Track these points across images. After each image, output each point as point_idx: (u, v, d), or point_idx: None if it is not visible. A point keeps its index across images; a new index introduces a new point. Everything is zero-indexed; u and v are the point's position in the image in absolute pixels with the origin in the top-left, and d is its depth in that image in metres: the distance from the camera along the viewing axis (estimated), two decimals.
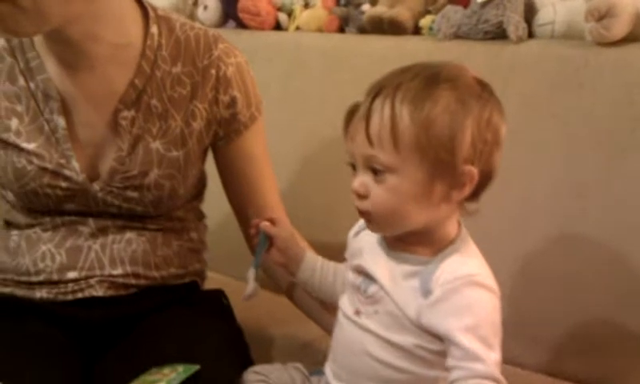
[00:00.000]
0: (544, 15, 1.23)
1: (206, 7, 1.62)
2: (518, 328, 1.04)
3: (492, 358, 0.68)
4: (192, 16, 1.65)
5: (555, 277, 1.08)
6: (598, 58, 1.09)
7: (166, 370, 0.73)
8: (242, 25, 1.57)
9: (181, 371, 0.73)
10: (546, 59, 1.15)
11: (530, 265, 1.11)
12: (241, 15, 1.55)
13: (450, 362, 0.70)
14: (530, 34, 1.24)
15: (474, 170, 0.71)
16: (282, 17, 1.54)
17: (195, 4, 1.66)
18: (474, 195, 0.75)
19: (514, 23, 1.18)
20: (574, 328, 1.07)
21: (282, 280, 0.98)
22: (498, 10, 1.20)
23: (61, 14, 0.77)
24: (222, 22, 1.63)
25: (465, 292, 0.71)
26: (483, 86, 0.75)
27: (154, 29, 0.89)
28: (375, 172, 0.73)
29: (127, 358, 0.83)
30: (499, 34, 1.21)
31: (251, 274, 0.88)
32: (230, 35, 1.53)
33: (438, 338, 0.72)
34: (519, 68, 1.16)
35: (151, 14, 0.89)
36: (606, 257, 1.05)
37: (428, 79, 0.72)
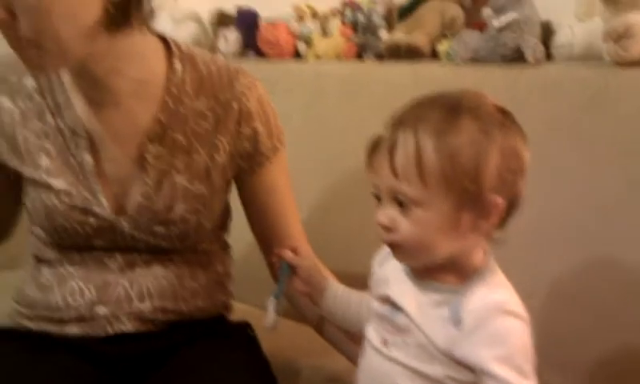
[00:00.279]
0: (562, 37, 1.25)
1: (226, 39, 1.66)
2: (549, 352, 1.02)
3: None
4: (213, 47, 1.70)
5: (585, 300, 1.08)
6: (617, 78, 1.09)
7: None
8: (261, 55, 1.61)
9: None
10: (565, 81, 1.15)
11: (559, 289, 1.10)
12: (260, 45, 1.59)
13: None
14: (548, 56, 1.26)
15: (499, 199, 0.72)
16: (301, 46, 1.57)
17: (216, 36, 1.70)
18: (501, 223, 0.75)
19: (532, 46, 1.20)
20: (606, 352, 1.06)
21: (307, 310, 0.99)
22: (515, 33, 1.22)
23: (84, 52, 0.80)
24: (242, 52, 1.67)
25: (496, 321, 0.71)
26: (505, 113, 0.75)
27: (177, 64, 0.91)
28: (401, 204, 0.73)
29: None
30: (517, 57, 1.22)
31: (271, 304, 0.88)
32: (251, 66, 1.58)
33: (468, 368, 0.72)
34: (538, 91, 1.16)
35: (174, 50, 0.92)
36: (635, 279, 1.03)
37: (449, 110, 0.72)
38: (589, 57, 1.20)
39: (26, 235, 1.01)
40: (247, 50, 1.67)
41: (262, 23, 1.61)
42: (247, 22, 1.63)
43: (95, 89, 0.88)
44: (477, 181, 0.71)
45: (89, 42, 0.79)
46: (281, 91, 1.22)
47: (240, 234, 1.07)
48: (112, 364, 0.89)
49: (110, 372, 0.89)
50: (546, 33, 1.28)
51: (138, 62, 0.88)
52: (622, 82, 1.08)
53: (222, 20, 1.70)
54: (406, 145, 0.72)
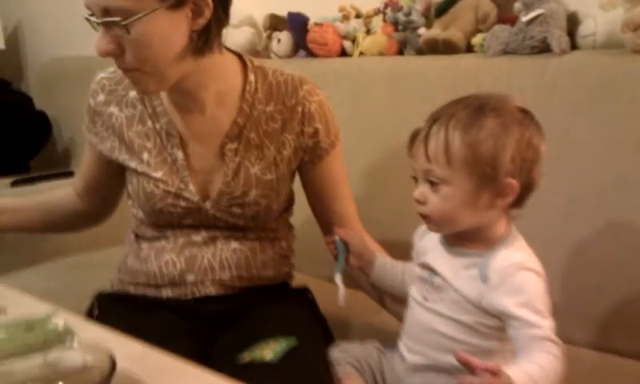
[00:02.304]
0: (585, 28, 1.33)
1: (279, 40, 1.78)
2: (570, 309, 1.16)
3: (546, 324, 0.83)
4: (267, 48, 1.83)
5: (603, 262, 1.18)
6: (635, 65, 1.18)
7: (272, 343, 0.92)
8: (311, 54, 1.72)
9: (283, 343, 0.92)
10: (587, 69, 1.24)
11: (580, 252, 1.21)
12: (310, 45, 1.71)
13: (511, 332, 0.84)
14: (575, 46, 1.34)
15: (515, 183, 0.86)
16: (347, 44, 1.68)
17: (269, 38, 1.82)
18: (518, 203, 0.89)
19: (557, 38, 1.28)
20: (621, 306, 1.16)
21: (361, 280, 1.12)
22: (542, 26, 1.31)
23: (177, 72, 0.97)
24: (294, 52, 1.79)
25: (517, 276, 0.85)
26: (525, 112, 0.89)
27: (251, 77, 1.07)
28: (432, 183, 0.88)
29: (239, 338, 1.01)
30: (544, 48, 1.31)
31: (338, 279, 1.01)
32: (302, 63, 1.72)
33: (494, 315, 0.86)
34: (564, 78, 1.26)
35: (249, 64, 1.08)
36: None
37: (476, 109, 0.87)
38: (611, 45, 1.28)
39: (125, 218, 1.20)
40: (298, 49, 1.78)
41: (311, 25, 1.72)
42: (298, 25, 1.73)
43: (185, 99, 1.05)
44: (494, 166, 0.85)
45: (179, 65, 0.96)
46: (329, 85, 1.32)
47: (301, 216, 1.22)
48: (198, 320, 1.06)
49: (197, 326, 1.05)
50: (573, 23, 1.36)
51: (219, 76, 1.05)
52: (639, 68, 1.17)
53: (274, 23, 1.81)
54: (437, 136, 0.87)
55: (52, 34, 2.66)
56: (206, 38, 0.96)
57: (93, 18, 0.91)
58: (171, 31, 0.92)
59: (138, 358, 0.68)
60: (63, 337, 0.76)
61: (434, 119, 0.89)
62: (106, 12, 0.89)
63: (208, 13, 0.94)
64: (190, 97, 1.04)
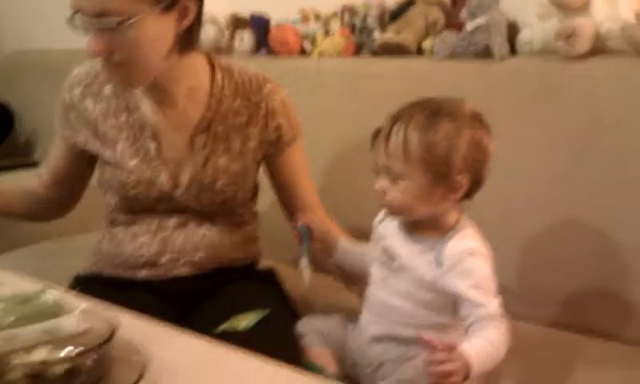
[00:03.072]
0: (524, 35, 1.45)
1: (242, 39, 1.85)
2: (521, 291, 1.28)
3: (493, 303, 0.93)
4: (230, 47, 1.89)
5: (544, 246, 1.30)
6: (567, 70, 1.30)
7: (245, 314, 1.01)
8: (272, 53, 1.80)
9: (255, 314, 1.01)
10: (525, 73, 1.36)
11: (524, 238, 1.32)
12: (271, 44, 1.79)
13: (463, 311, 0.94)
14: (514, 52, 1.45)
15: (465, 180, 0.95)
16: (306, 44, 1.76)
17: (232, 36, 1.89)
18: (468, 196, 0.99)
19: (498, 44, 1.41)
20: (561, 285, 1.28)
21: (325, 261, 1.19)
22: (485, 33, 1.43)
23: (161, 69, 1.05)
24: (256, 50, 1.85)
25: (467, 261, 0.95)
26: (476, 115, 0.97)
27: (218, 75, 1.16)
28: (391, 177, 0.97)
29: (212, 311, 1.09)
30: (487, 54, 1.42)
31: (304, 262, 1.08)
32: (263, 62, 1.79)
33: (446, 294, 0.96)
34: (503, 81, 1.37)
35: (216, 64, 1.17)
36: (580, 229, 1.26)
37: (433, 112, 0.95)
38: (546, 52, 1.39)
39: (91, 207, 1.26)
40: (260, 48, 1.84)
41: (273, 26, 1.80)
42: (260, 25, 1.82)
43: (159, 93, 1.13)
44: (447, 165, 0.94)
45: (164, 63, 1.04)
46: (289, 82, 1.37)
47: (265, 204, 1.30)
48: (172, 298, 1.14)
49: (171, 304, 1.13)
50: (513, 31, 1.47)
51: (191, 73, 1.13)
52: (570, 73, 1.29)
53: (237, 23, 1.88)
54: (397, 135, 0.95)
55: (14, 27, 2.66)
56: (189, 38, 1.05)
57: (81, 20, 0.96)
58: (161, 33, 1.00)
59: (130, 326, 0.76)
60: (56, 309, 0.82)
61: (395, 119, 0.97)
62: (101, 14, 0.94)
63: (192, 15, 1.02)
64: (163, 91, 1.12)
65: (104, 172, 1.17)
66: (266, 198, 1.31)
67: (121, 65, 1.01)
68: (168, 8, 0.98)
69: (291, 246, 1.15)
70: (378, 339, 1.03)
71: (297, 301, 1.24)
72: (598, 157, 1.25)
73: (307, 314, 1.17)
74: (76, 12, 0.97)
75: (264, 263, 1.33)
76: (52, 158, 1.26)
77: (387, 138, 0.96)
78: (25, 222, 1.38)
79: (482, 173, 0.97)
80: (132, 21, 0.95)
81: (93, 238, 1.27)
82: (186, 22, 1.02)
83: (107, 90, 1.16)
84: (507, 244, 1.29)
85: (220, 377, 0.76)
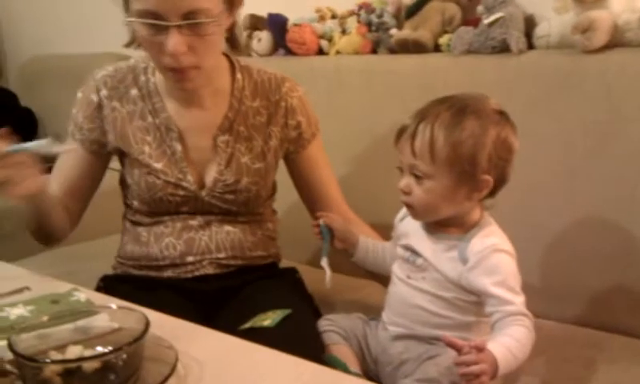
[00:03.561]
0: (541, 29, 1.44)
1: (259, 39, 1.86)
2: (542, 288, 1.28)
3: (519, 300, 0.93)
4: (248, 47, 1.90)
5: (567, 245, 1.30)
6: (583, 63, 1.30)
7: (269, 313, 1.03)
8: (290, 52, 1.81)
9: (279, 313, 1.03)
10: (542, 67, 1.36)
11: (539, 233, 1.31)
12: (289, 44, 1.79)
13: (488, 309, 0.94)
14: (531, 46, 1.44)
15: (489, 179, 0.95)
16: (324, 43, 1.77)
17: (250, 37, 1.90)
18: (491, 194, 0.99)
19: (515, 39, 1.40)
20: (574, 281, 1.29)
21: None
22: (502, 28, 1.42)
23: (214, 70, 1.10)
24: (273, 50, 1.87)
25: (492, 257, 0.95)
26: (501, 113, 0.97)
27: (238, 75, 1.18)
28: (416, 177, 0.97)
29: (237, 310, 1.11)
30: (504, 48, 1.42)
31: (324, 262, 1.10)
32: (281, 61, 1.81)
33: (472, 292, 0.96)
34: (521, 75, 1.37)
35: (236, 64, 1.19)
36: (597, 225, 1.27)
37: (458, 110, 0.95)
38: (563, 45, 1.38)
39: (106, 213, 1.28)
40: (277, 48, 1.86)
41: (290, 25, 1.80)
42: (277, 25, 1.82)
43: (189, 95, 1.15)
44: (473, 165, 0.94)
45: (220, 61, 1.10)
46: (307, 82, 1.39)
47: (285, 205, 1.32)
48: (198, 297, 1.16)
49: (196, 303, 1.15)
50: (530, 25, 1.46)
51: (217, 75, 1.16)
52: (587, 66, 1.29)
53: (254, 23, 1.89)
54: (424, 134, 0.95)
55: (32, 33, 2.70)
56: (234, 36, 1.10)
57: (163, 23, 0.97)
58: (224, 29, 1.05)
59: (158, 324, 0.78)
60: (88, 308, 0.85)
61: (421, 118, 0.96)
62: (189, 15, 0.97)
63: (236, 12, 1.06)
64: (193, 93, 1.14)
65: (131, 174, 1.18)
66: (286, 200, 1.32)
67: (194, 65, 1.04)
68: (231, 6, 1.04)
69: (311, 247, 1.18)
70: (400, 337, 1.03)
71: (318, 299, 1.26)
72: (617, 150, 1.25)
73: (328, 312, 1.18)
74: (151, 13, 0.98)
75: (283, 264, 1.34)
76: (63, 169, 1.20)
77: (413, 136, 0.96)
78: (42, 235, 1.23)
79: (506, 171, 0.97)
80: (217, 21, 1.00)
81: (111, 241, 1.29)
82: (232, 19, 1.07)
83: (133, 92, 1.18)
84: (527, 240, 1.25)
85: (248, 372, 0.78)
